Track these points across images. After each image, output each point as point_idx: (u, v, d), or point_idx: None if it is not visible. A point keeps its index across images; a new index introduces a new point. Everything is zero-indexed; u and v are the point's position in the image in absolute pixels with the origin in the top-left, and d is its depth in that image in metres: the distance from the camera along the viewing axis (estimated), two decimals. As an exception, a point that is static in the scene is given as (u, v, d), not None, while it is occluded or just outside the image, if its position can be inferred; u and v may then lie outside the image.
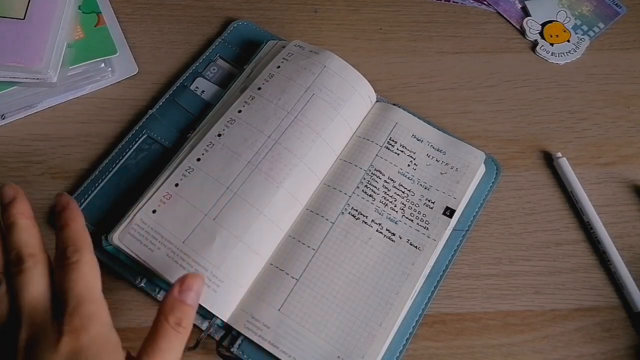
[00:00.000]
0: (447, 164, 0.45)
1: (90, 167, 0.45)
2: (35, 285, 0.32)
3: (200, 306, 0.37)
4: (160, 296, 0.39)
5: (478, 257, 0.43)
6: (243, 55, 0.50)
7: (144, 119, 0.46)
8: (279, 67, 0.46)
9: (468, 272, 0.43)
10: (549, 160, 0.48)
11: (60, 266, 0.32)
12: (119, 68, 0.49)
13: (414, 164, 0.45)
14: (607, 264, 0.44)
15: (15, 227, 0.33)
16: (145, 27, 0.52)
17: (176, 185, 0.40)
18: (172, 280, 0.37)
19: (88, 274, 0.32)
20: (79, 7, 0.50)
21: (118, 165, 0.44)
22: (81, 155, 0.45)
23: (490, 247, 0.44)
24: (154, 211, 0.39)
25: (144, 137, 0.45)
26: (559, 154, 0.47)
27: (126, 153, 0.44)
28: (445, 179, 0.44)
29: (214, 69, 0.49)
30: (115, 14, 0.52)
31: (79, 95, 0.48)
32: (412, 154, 0.45)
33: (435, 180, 0.44)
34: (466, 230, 0.43)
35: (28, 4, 0.46)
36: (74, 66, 0.47)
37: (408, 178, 0.44)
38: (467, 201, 0.44)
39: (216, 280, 0.38)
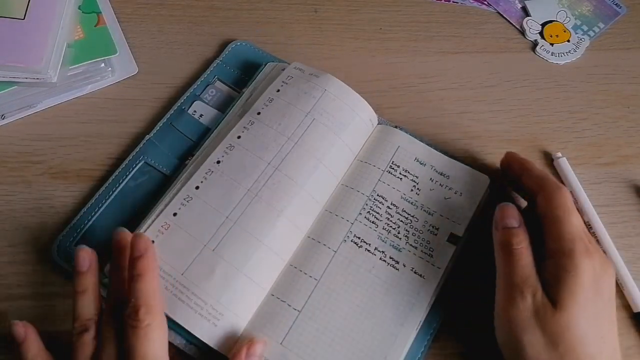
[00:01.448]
0: (450, 189, 0.43)
1: (91, 167, 0.45)
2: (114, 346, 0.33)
3: (200, 340, 0.37)
4: None
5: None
6: (242, 77, 0.49)
7: (140, 145, 0.45)
8: (278, 90, 0.45)
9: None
10: (549, 160, 0.48)
11: (132, 326, 0.33)
12: (119, 68, 0.49)
13: (417, 188, 0.43)
14: (607, 264, 0.44)
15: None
16: (145, 27, 0.52)
17: (174, 214, 0.40)
18: (171, 315, 0.37)
19: (157, 341, 0.33)
20: (79, 7, 0.50)
21: (114, 194, 0.43)
22: (81, 155, 0.45)
23: (491, 247, 0.44)
24: (152, 242, 0.38)
25: (141, 163, 0.44)
26: (559, 154, 0.47)
27: (123, 181, 0.43)
28: (450, 204, 0.43)
29: (212, 92, 0.48)
30: (115, 14, 0.52)
31: (79, 95, 0.48)
32: (415, 179, 0.44)
33: (439, 205, 0.42)
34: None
35: (28, 4, 0.46)
36: (74, 66, 0.47)
37: (411, 203, 0.43)
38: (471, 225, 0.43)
39: (216, 314, 0.37)
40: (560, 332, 0.34)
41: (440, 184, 0.44)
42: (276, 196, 0.40)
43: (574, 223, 0.36)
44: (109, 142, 0.46)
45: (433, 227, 0.42)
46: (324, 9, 0.54)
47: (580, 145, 0.49)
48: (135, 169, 0.44)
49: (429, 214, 0.42)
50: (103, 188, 0.43)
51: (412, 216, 0.42)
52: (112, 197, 0.43)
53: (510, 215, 0.38)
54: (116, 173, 0.44)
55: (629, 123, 0.50)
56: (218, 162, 0.42)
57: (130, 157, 0.44)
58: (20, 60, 0.44)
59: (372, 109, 0.46)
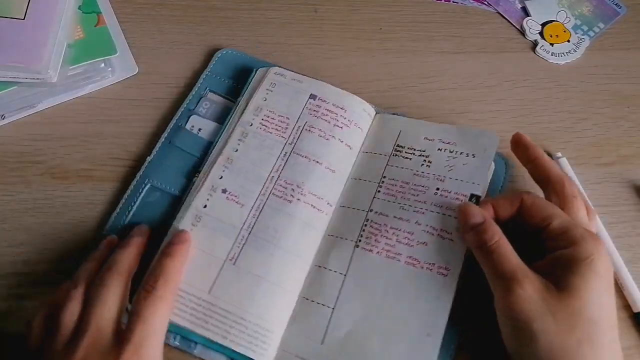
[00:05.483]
0: (461, 153, 0.43)
1: (91, 167, 0.45)
2: (111, 302, 0.34)
3: (198, 340, 0.37)
4: (197, 352, 0.37)
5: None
6: (234, 85, 0.48)
7: (143, 168, 0.44)
8: (265, 99, 0.45)
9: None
10: (549, 160, 0.48)
11: (145, 290, 0.35)
12: (119, 68, 0.49)
13: (428, 161, 0.43)
14: (607, 264, 0.44)
15: (121, 248, 0.37)
16: (145, 27, 0.52)
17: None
18: (206, 334, 0.37)
19: (163, 314, 0.34)
20: (79, 7, 0.50)
21: (125, 222, 0.42)
22: (81, 155, 0.45)
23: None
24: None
25: (147, 187, 0.43)
26: (559, 154, 0.47)
27: (132, 208, 0.42)
28: (465, 169, 0.42)
29: (206, 104, 0.47)
30: (115, 14, 0.52)
31: (79, 95, 0.48)
32: (423, 153, 0.43)
33: (454, 172, 0.42)
34: None
35: (28, 4, 0.46)
36: (74, 66, 0.47)
37: (424, 177, 0.42)
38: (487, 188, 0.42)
39: (249, 325, 0.37)
40: (574, 318, 0.32)
41: (449, 152, 0.43)
42: (284, 208, 0.41)
43: (583, 212, 0.37)
44: (109, 142, 0.46)
45: (452, 193, 0.41)
46: (324, 9, 0.55)
47: (580, 145, 0.49)
48: (142, 194, 0.43)
49: (442, 181, 0.42)
50: (112, 218, 0.42)
51: (427, 188, 0.42)
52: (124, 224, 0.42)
53: (472, 214, 0.38)
54: (123, 201, 0.42)
55: (629, 123, 0.50)
56: (221, 177, 0.42)
57: (135, 182, 0.43)
58: (20, 60, 0.44)
59: (363, 100, 0.46)
